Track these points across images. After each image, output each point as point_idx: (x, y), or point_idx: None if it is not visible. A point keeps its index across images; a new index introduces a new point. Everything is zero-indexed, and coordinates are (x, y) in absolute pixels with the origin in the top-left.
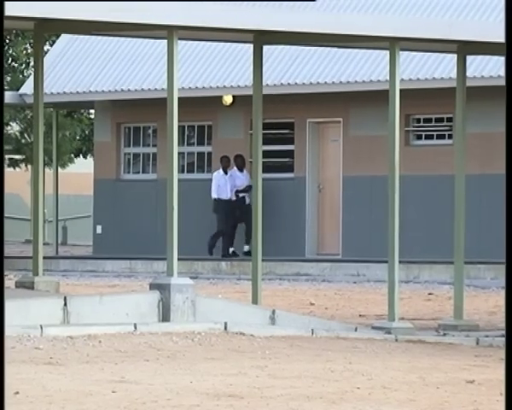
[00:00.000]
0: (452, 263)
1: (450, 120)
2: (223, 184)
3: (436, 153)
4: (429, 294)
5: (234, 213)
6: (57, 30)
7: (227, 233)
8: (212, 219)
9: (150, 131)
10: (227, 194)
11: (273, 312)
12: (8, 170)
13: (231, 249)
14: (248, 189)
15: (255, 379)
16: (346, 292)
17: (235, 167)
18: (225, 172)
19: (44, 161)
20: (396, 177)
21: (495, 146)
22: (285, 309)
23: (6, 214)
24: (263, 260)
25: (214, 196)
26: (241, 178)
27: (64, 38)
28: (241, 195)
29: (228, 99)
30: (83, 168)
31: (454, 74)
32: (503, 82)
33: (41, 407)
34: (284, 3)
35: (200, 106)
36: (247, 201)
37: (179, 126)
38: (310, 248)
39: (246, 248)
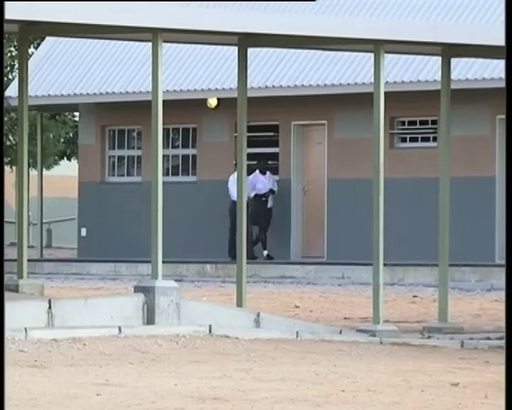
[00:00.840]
0: (437, 266)
1: (434, 122)
2: None
3: (420, 155)
4: (414, 296)
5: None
6: (42, 33)
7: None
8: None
9: (135, 134)
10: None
11: (258, 314)
12: None
13: (265, 252)
14: (270, 193)
15: (240, 382)
16: (330, 295)
17: (257, 170)
18: None
19: (29, 162)
20: (380, 179)
21: (479, 149)
22: (270, 312)
23: None
24: (248, 263)
25: (234, 198)
26: (263, 182)
27: (49, 40)
28: (264, 198)
29: (212, 102)
30: (67, 171)
31: (438, 77)
32: (487, 84)
33: None
34: (271, 4)
35: (184, 109)
36: (270, 204)
37: (164, 129)
38: (294, 250)
39: (265, 252)
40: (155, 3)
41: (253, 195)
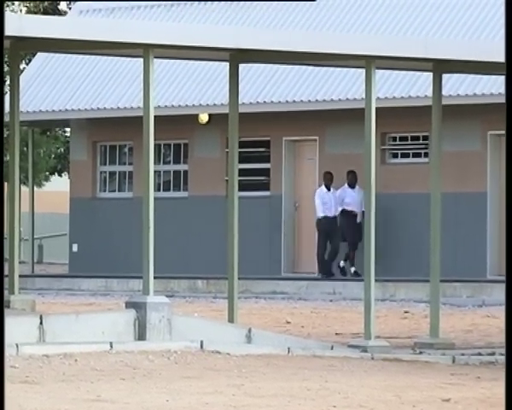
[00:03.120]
0: (428, 281)
1: (426, 138)
2: (328, 201)
3: (412, 171)
4: (405, 312)
5: (338, 231)
6: (33, 48)
7: (332, 250)
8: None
9: (126, 150)
10: (331, 211)
11: (249, 330)
12: None
13: (341, 264)
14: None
15: (231, 398)
16: (322, 310)
17: (346, 184)
18: (328, 189)
19: (20, 178)
20: (372, 195)
21: (471, 165)
22: (261, 328)
23: None
24: (239, 279)
25: (320, 214)
26: (352, 195)
27: (40, 56)
28: (353, 214)
29: (204, 117)
30: (59, 187)
31: (430, 93)
32: (478, 100)
33: None
34: (263, 19)
35: (176, 124)
36: (359, 219)
37: (155, 145)
38: (286, 266)
39: (352, 269)
40: (146, 19)
41: (340, 209)
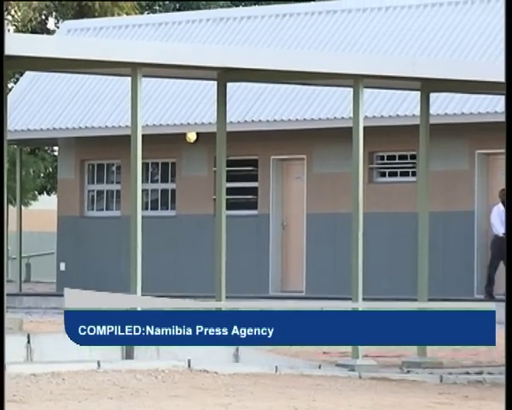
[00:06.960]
0: (416, 300)
1: (413, 157)
2: (504, 219)
3: (400, 190)
4: None
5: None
6: (21, 67)
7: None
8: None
9: (114, 169)
10: (501, 229)
11: (237, 349)
12: None
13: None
14: None
15: None
16: None
17: (499, 203)
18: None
19: (8, 198)
20: (360, 214)
21: (458, 184)
22: (248, 347)
23: None
24: (227, 297)
25: (501, 233)
26: None
27: (28, 75)
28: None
29: (192, 136)
30: (46, 205)
31: (417, 112)
32: (466, 119)
33: None
34: (250, 38)
35: (163, 143)
36: None
37: (143, 163)
38: (273, 285)
39: None
40: (134, 38)
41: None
